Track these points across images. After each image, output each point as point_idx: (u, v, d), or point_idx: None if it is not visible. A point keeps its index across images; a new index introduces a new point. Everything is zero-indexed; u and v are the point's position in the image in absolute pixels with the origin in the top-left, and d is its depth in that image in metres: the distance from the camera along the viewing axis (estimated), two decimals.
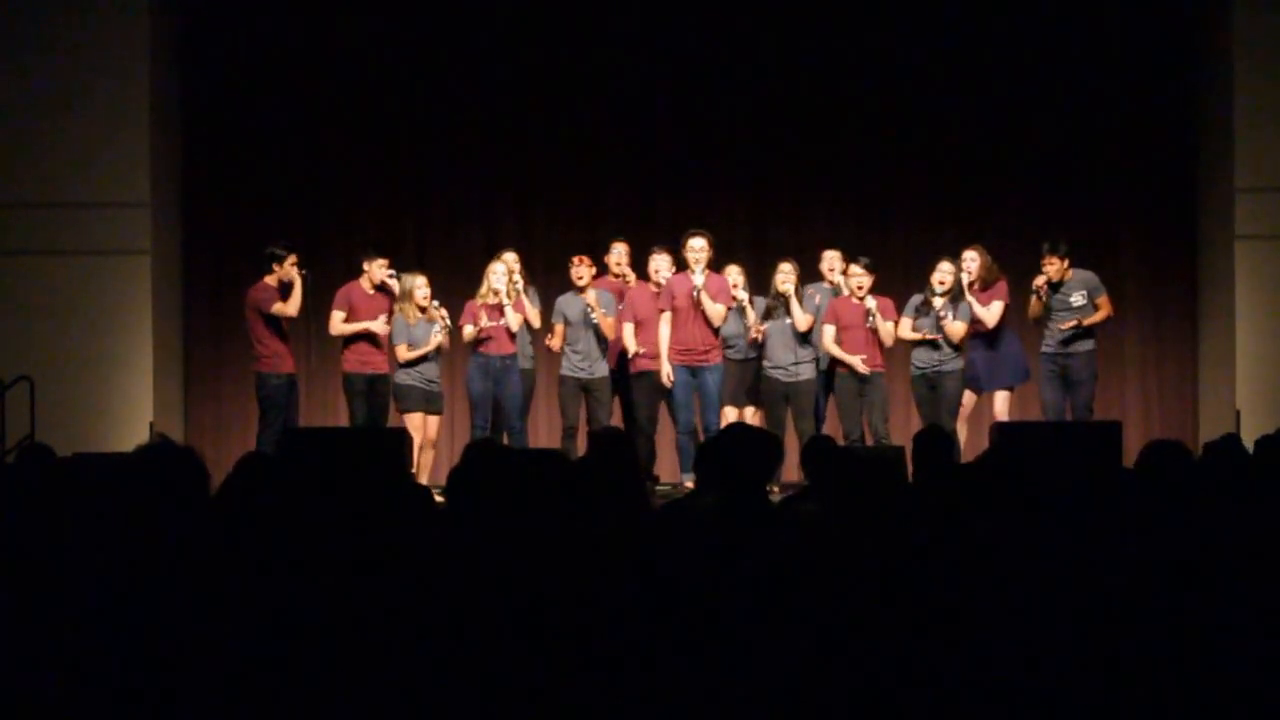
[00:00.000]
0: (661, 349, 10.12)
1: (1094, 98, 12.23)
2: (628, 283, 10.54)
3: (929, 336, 10.19)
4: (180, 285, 12.27)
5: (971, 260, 10.36)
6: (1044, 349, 10.42)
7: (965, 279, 10.26)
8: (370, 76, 12.42)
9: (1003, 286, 10.40)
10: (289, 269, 10.40)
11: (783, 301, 10.31)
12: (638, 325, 10.25)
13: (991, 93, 12.32)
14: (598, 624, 3.45)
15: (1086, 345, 10.31)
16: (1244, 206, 11.39)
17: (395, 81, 12.44)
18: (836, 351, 10.19)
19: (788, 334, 10.29)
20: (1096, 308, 10.32)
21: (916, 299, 10.31)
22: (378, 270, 10.50)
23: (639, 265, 10.62)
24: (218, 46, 12.34)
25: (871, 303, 10.15)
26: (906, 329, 10.25)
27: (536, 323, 10.47)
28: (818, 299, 10.46)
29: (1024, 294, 10.50)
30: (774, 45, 12.42)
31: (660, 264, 10.26)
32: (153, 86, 11.61)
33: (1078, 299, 10.32)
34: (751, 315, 10.33)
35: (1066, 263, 10.34)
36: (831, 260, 10.72)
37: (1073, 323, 10.22)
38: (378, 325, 10.35)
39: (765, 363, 10.33)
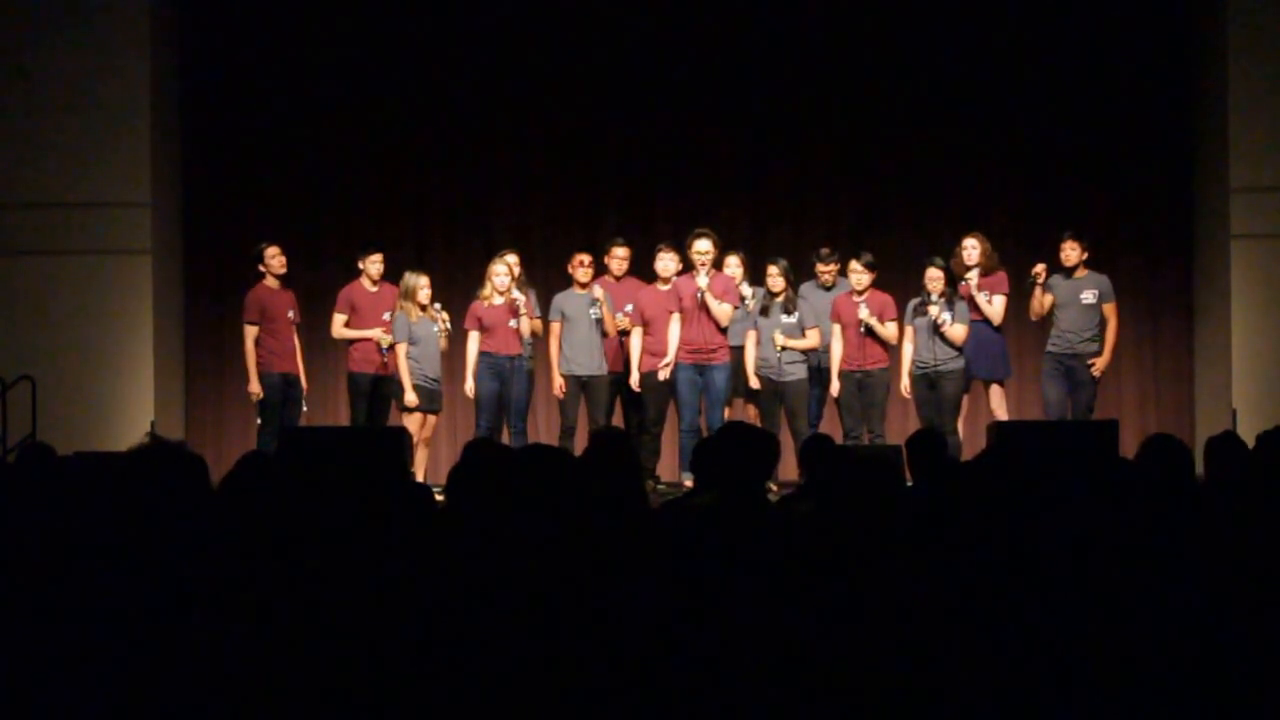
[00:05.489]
0: (670, 349, 10.15)
1: (1090, 98, 12.25)
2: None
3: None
4: (181, 285, 12.30)
5: (972, 248, 10.37)
6: (1049, 348, 10.41)
7: (973, 280, 10.25)
8: (370, 77, 12.44)
9: (1003, 277, 10.40)
10: (270, 261, 10.55)
11: (779, 303, 10.34)
12: (645, 325, 10.29)
13: (989, 93, 12.35)
14: (596, 622, 3.47)
15: (1093, 348, 10.32)
16: (1239, 206, 11.41)
17: (395, 82, 12.46)
18: (834, 355, 10.23)
19: (775, 333, 10.31)
20: (1104, 314, 10.32)
21: (916, 303, 10.31)
22: (373, 266, 10.57)
23: (643, 265, 10.66)
24: (219, 47, 12.37)
25: (864, 312, 10.15)
26: (909, 346, 10.25)
27: (540, 330, 10.51)
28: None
29: (1023, 295, 10.52)
30: (774, 44, 12.43)
31: (666, 262, 10.30)
32: (154, 87, 11.64)
33: (1089, 297, 10.31)
34: (752, 305, 10.37)
35: (1086, 254, 10.35)
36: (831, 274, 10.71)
37: (1095, 364, 10.23)
38: (377, 334, 10.40)
39: (759, 361, 10.35)
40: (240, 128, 12.40)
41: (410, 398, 10.18)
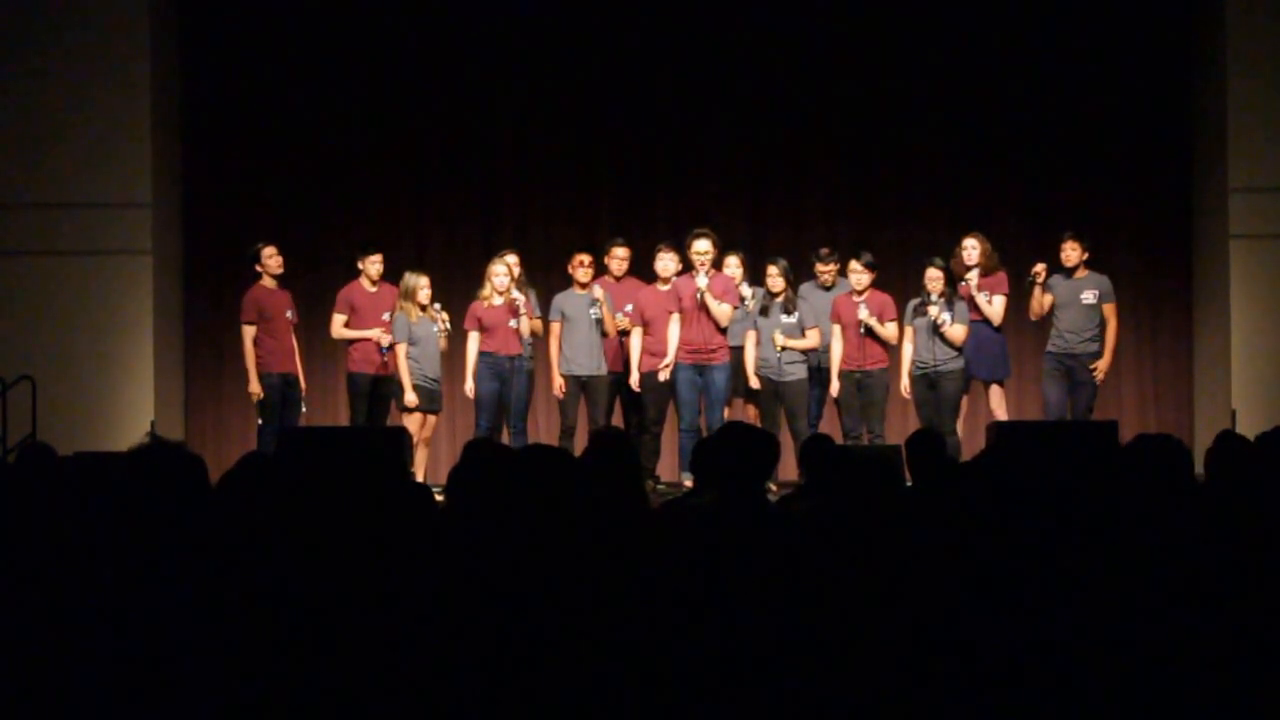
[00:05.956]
0: (669, 350, 10.14)
1: (1089, 98, 12.26)
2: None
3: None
4: (181, 286, 12.31)
5: (972, 248, 10.37)
6: (1049, 348, 10.42)
7: (973, 280, 10.26)
8: (370, 77, 12.45)
9: (1003, 277, 10.41)
10: (267, 261, 10.55)
11: (779, 303, 10.35)
12: (645, 325, 10.29)
13: (990, 93, 12.36)
14: (596, 623, 3.47)
15: (1094, 348, 10.33)
16: (1238, 206, 11.43)
17: (395, 82, 12.47)
18: (834, 355, 10.23)
19: (775, 333, 10.31)
20: (1104, 315, 10.33)
21: (916, 303, 10.32)
22: (373, 266, 10.58)
23: (643, 265, 10.66)
24: (219, 48, 12.38)
25: (863, 312, 10.15)
26: (909, 346, 10.25)
27: (540, 330, 10.52)
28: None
29: (1023, 295, 10.52)
30: (773, 44, 12.44)
31: (666, 262, 10.31)
32: (155, 88, 11.65)
33: (1089, 297, 10.32)
34: (752, 305, 10.38)
35: (1086, 254, 10.35)
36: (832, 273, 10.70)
37: (1097, 368, 10.25)
38: (376, 334, 10.41)
39: (759, 361, 10.35)
40: (240, 128, 12.40)
41: (410, 398, 10.19)
